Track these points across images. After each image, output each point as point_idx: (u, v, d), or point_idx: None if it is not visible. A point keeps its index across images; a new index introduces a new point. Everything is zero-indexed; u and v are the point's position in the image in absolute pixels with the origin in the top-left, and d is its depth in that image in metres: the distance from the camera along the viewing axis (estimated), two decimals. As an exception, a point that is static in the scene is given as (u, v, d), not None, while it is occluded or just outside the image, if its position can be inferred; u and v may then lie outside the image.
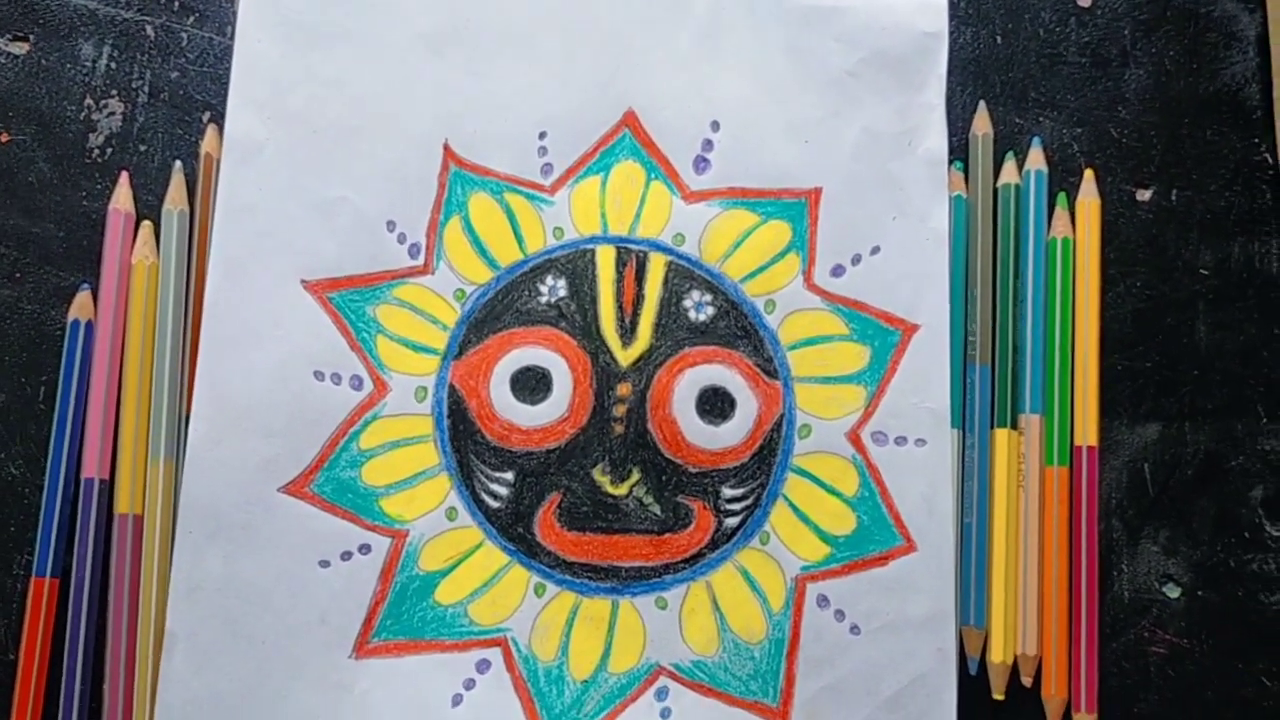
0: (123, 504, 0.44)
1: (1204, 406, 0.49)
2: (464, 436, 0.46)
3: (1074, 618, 0.46)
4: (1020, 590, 0.46)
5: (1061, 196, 0.50)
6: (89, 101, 0.49)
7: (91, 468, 0.45)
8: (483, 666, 0.45)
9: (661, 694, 0.45)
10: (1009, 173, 0.50)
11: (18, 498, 0.46)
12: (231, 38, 0.48)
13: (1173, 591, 0.48)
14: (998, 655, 0.46)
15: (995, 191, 0.50)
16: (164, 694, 0.43)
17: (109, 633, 0.44)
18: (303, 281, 0.47)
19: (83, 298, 0.46)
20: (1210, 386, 0.49)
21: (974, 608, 0.46)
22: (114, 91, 0.49)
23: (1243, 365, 0.49)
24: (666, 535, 0.46)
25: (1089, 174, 0.50)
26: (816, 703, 0.45)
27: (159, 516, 0.44)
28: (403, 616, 0.45)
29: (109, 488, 0.45)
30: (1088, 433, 0.48)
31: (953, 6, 0.51)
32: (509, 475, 0.46)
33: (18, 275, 0.47)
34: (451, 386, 0.47)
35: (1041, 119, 0.51)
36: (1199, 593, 0.48)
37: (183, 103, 0.49)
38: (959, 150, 0.50)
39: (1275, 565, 0.48)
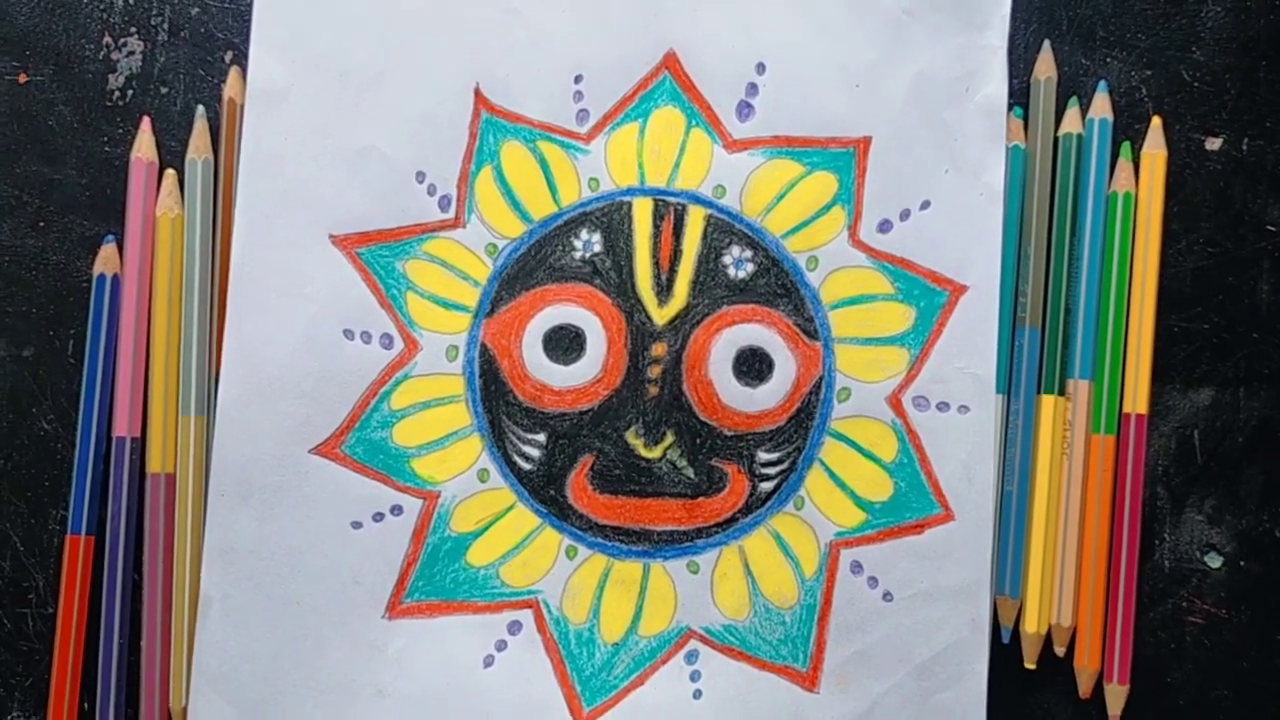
0: (154, 463, 0.44)
1: (1260, 371, 0.47)
2: (496, 397, 0.46)
3: (1111, 588, 0.46)
4: (1058, 561, 0.46)
5: (1126, 147, 0.47)
6: (108, 39, 0.47)
7: (123, 426, 0.44)
8: (514, 628, 0.45)
9: (691, 657, 0.45)
10: (1071, 121, 0.47)
11: (50, 453, 0.46)
12: (252, -30, 0.46)
13: (1214, 561, 0.47)
14: (1031, 625, 0.45)
15: (1056, 141, 0.47)
16: (200, 655, 0.44)
17: (144, 591, 0.44)
18: (331, 236, 0.45)
19: (108, 251, 0.45)
20: (1269, 350, 0.47)
21: (1010, 577, 0.46)
22: (133, 29, 0.47)
23: (1305, 328, 0.47)
24: (700, 499, 0.46)
25: (1156, 122, 0.47)
26: (847, 668, 0.45)
27: (191, 473, 0.44)
28: (435, 578, 0.45)
29: (140, 445, 0.45)
30: (1138, 400, 0.46)
31: (1020, -63, 0.47)
32: (541, 437, 0.45)
33: (42, 224, 0.46)
34: (483, 345, 0.46)
35: (1109, 59, 0.48)
36: (1241, 563, 0.47)
37: (204, 41, 0.47)
38: (1019, 94, 0.47)
39: (1323, 536, 0.47)
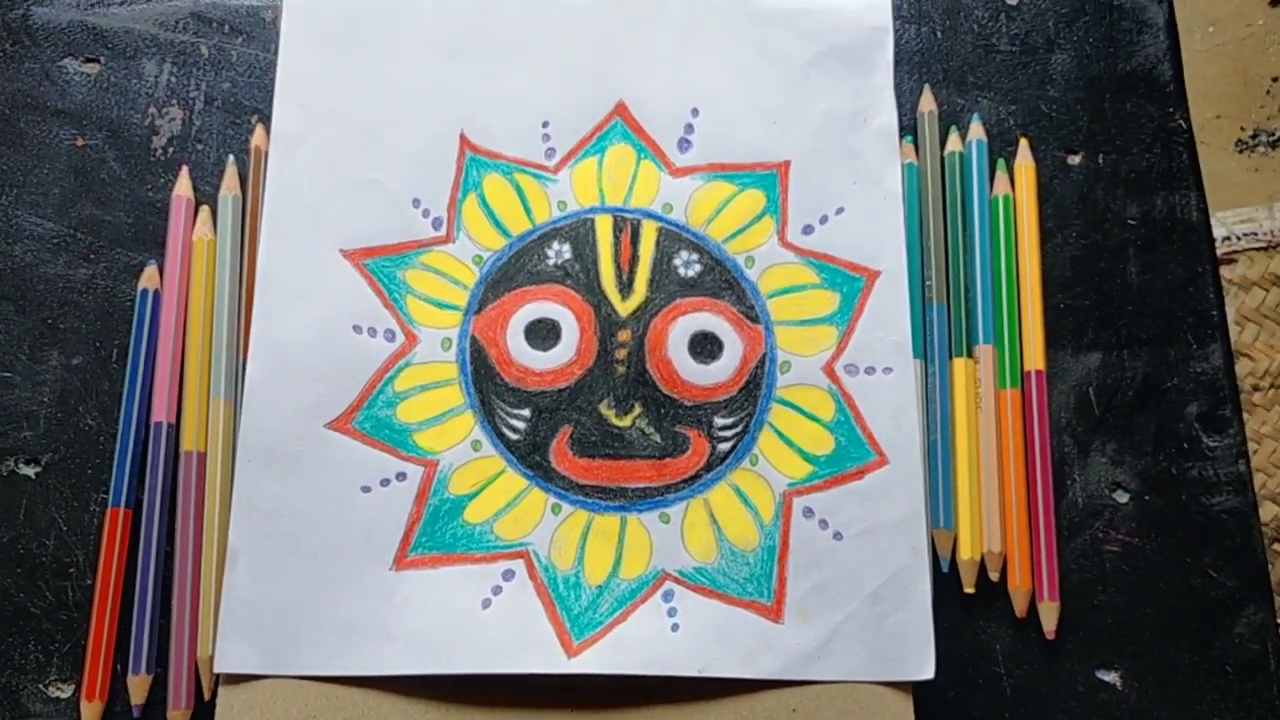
0: (188, 442, 0.51)
1: (1139, 336, 0.55)
2: (485, 379, 0.53)
3: (1033, 520, 0.52)
4: (983, 497, 0.52)
5: (1001, 162, 0.57)
6: (152, 110, 0.56)
7: (160, 413, 0.51)
8: (508, 575, 0.50)
9: (668, 595, 0.50)
10: (954, 143, 0.57)
11: (94, 445, 0.52)
12: (275, 54, 0.56)
13: (1122, 497, 0.53)
14: (966, 553, 0.51)
15: (942, 160, 0.57)
16: (227, 602, 0.49)
17: (176, 555, 0.49)
18: (341, 250, 0.53)
19: (150, 270, 0.53)
20: (1144, 319, 0.56)
21: (943, 513, 0.52)
22: (174, 101, 0.56)
23: (1171, 300, 0.56)
24: (667, 460, 0.52)
25: (1024, 142, 0.57)
26: (807, 601, 0.50)
27: (219, 452, 0.50)
28: (436, 534, 0.51)
29: (175, 430, 0.51)
30: (1036, 358, 0.54)
31: (896, 7, 0.59)
32: (526, 412, 0.52)
33: (92, 256, 0.54)
34: (473, 337, 0.53)
35: (980, 100, 0.58)
36: (1146, 497, 0.53)
37: (234, 109, 0.56)
38: (909, 128, 0.57)
39: (1214, 472, 0.54)
